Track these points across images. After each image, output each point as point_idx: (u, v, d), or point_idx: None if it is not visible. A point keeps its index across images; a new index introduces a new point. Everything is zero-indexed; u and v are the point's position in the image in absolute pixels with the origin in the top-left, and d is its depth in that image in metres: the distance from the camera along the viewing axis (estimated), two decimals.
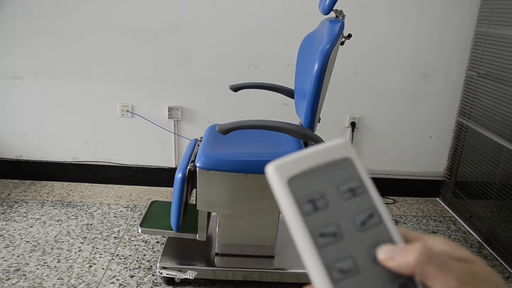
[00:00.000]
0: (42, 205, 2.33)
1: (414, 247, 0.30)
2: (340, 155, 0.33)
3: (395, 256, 0.30)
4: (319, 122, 1.59)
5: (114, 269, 1.83)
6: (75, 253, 1.92)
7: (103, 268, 1.83)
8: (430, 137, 2.60)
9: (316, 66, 1.38)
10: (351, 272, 0.30)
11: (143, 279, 1.78)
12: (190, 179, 1.63)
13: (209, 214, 1.78)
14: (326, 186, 0.32)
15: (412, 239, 0.32)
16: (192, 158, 1.66)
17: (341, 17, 1.54)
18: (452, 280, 0.28)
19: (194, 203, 1.62)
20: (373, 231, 0.31)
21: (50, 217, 2.21)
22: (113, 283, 1.75)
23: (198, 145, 1.81)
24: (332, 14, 1.56)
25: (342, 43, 1.55)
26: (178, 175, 1.57)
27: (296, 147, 1.64)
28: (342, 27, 1.46)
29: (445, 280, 0.28)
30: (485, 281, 0.29)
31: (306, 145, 1.73)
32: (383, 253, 0.30)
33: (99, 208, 2.34)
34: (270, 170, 0.32)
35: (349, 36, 1.54)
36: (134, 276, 1.79)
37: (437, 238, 0.32)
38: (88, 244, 1.99)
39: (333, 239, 0.31)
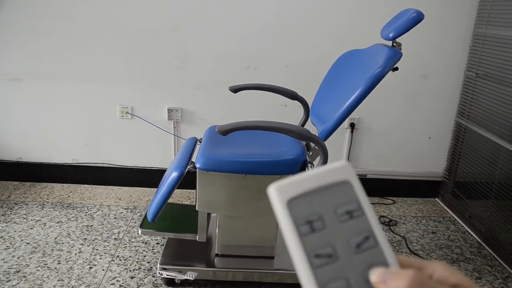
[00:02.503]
0: (42, 206, 2.34)
1: (406, 273, 0.30)
2: (339, 177, 0.34)
3: (387, 280, 0.30)
4: None
5: (114, 270, 1.83)
6: (75, 254, 1.93)
7: (103, 270, 1.83)
8: (429, 137, 2.61)
9: (362, 87, 1.36)
10: None
11: (143, 280, 1.78)
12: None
13: (209, 215, 1.78)
14: (324, 208, 0.33)
15: (410, 266, 0.33)
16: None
17: (398, 48, 1.48)
18: None
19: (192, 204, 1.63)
20: (368, 254, 0.32)
21: (50, 218, 2.22)
22: (113, 284, 1.75)
23: (198, 144, 1.81)
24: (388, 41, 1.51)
25: None
26: (174, 174, 1.55)
27: (296, 148, 1.64)
28: (399, 58, 1.43)
29: None
30: None
31: (307, 146, 1.73)
32: (376, 276, 0.31)
33: (99, 209, 2.34)
34: (272, 191, 0.34)
35: (396, 68, 1.48)
36: (134, 277, 1.80)
37: (437, 262, 0.33)
38: (88, 246, 2.00)
39: (328, 260, 0.32)
